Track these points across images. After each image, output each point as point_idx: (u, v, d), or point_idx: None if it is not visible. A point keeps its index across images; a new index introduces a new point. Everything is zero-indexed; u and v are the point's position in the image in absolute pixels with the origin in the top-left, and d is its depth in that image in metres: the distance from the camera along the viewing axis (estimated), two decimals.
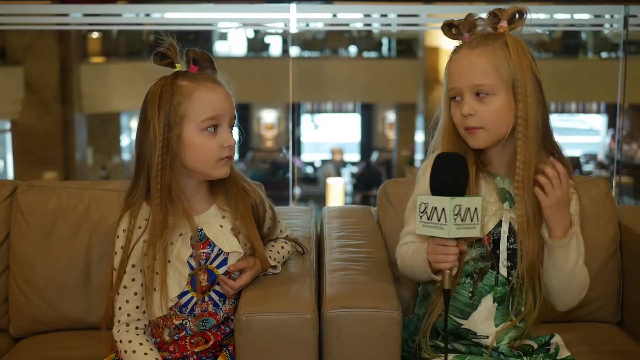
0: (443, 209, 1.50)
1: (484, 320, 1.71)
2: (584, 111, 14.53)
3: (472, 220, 1.51)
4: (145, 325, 1.74)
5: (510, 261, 1.69)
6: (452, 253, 1.54)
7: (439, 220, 1.50)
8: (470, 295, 1.71)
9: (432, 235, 1.53)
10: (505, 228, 1.68)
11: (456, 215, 1.49)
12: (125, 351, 1.70)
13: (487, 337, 1.71)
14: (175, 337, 1.75)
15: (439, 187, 1.53)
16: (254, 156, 13.09)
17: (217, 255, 1.74)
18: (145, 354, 1.68)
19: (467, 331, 1.73)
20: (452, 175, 1.54)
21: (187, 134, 1.67)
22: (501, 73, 1.62)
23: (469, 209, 1.51)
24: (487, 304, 1.70)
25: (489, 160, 1.72)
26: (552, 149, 1.69)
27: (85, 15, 3.57)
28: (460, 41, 1.69)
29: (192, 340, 1.76)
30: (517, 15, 1.66)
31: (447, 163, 1.56)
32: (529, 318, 1.70)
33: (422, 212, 1.53)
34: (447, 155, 1.59)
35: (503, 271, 1.69)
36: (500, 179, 1.70)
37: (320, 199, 11.13)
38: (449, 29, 1.70)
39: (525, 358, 1.70)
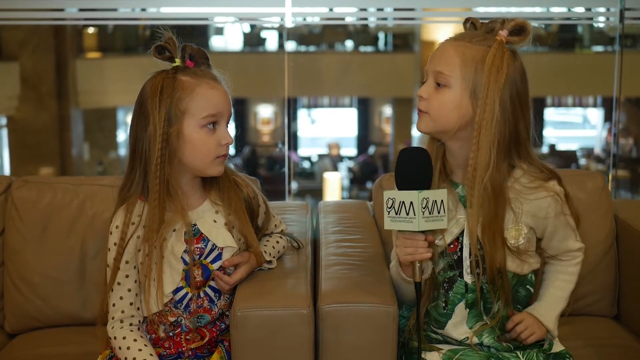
0: (411, 203, 1.53)
1: (458, 326, 1.72)
2: (581, 105, 14.52)
3: (439, 213, 1.56)
4: (139, 321, 1.74)
5: (476, 266, 1.67)
6: (421, 246, 1.57)
7: (407, 214, 1.54)
8: (444, 305, 1.72)
9: (401, 229, 1.56)
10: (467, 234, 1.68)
11: (424, 208, 1.53)
12: (120, 347, 1.69)
13: (466, 338, 1.71)
14: (171, 334, 1.75)
15: (404, 182, 1.56)
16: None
17: (212, 251, 1.74)
18: (140, 350, 1.68)
19: (445, 337, 1.74)
20: (417, 169, 1.57)
21: (187, 129, 1.67)
22: (465, 70, 1.59)
23: (435, 201, 1.55)
24: (460, 311, 1.71)
25: (451, 169, 1.72)
26: (524, 162, 1.67)
27: (81, 10, 3.56)
28: None
29: (187, 337, 1.75)
30: (521, 31, 1.61)
31: (410, 157, 1.58)
32: (498, 314, 1.70)
33: (389, 208, 1.56)
34: (410, 150, 1.60)
35: (467, 278, 1.68)
36: (462, 187, 1.68)
37: (317, 193, 11.13)
38: (472, 25, 1.67)
39: (517, 352, 1.70)
